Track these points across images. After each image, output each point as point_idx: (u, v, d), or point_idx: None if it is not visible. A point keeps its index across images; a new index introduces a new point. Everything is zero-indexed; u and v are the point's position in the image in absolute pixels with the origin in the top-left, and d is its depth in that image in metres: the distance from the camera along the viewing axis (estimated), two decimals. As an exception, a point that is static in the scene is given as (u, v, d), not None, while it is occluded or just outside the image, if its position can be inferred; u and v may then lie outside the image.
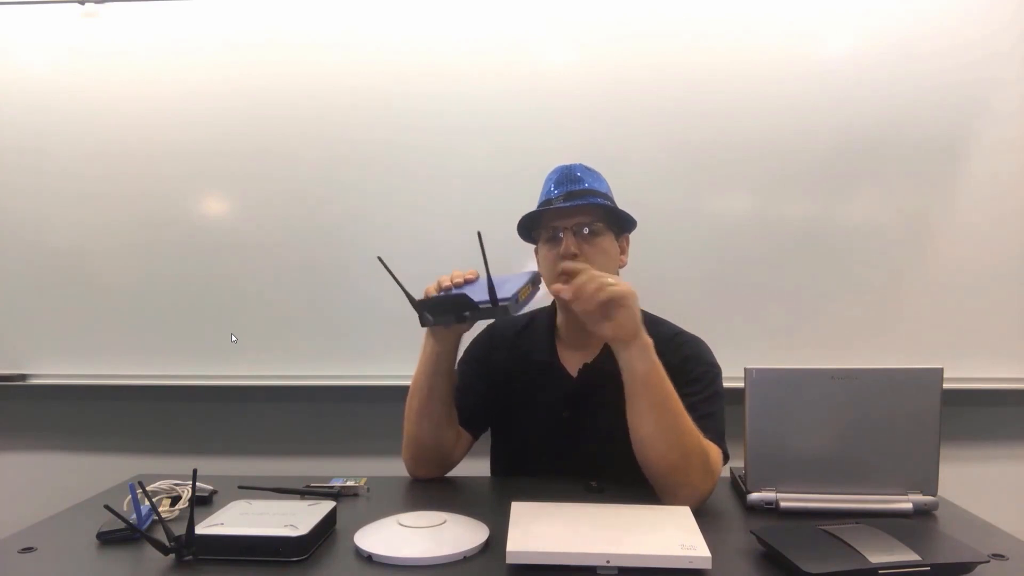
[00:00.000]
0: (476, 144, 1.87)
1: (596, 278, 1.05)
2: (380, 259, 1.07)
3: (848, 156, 1.81)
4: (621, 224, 1.29)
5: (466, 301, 1.04)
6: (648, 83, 1.83)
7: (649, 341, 1.08)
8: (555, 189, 1.26)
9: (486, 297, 1.03)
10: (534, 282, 1.11)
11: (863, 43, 1.80)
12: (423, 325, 1.11)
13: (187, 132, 1.92)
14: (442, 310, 1.07)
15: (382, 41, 1.88)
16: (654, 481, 1.09)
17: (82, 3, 1.92)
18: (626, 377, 1.08)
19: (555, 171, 1.30)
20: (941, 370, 1.07)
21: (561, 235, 1.22)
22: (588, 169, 1.31)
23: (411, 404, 1.24)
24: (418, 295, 1.11)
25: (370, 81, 1.88)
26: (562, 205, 1.23)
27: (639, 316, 1.07)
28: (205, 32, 1.91)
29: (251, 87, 1.90)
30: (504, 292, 1.04)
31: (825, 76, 1.80)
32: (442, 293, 1.10)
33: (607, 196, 1.28)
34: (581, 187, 1.25)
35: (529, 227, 1.30)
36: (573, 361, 1.30)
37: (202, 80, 1.91)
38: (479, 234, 1.01)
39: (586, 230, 1.22)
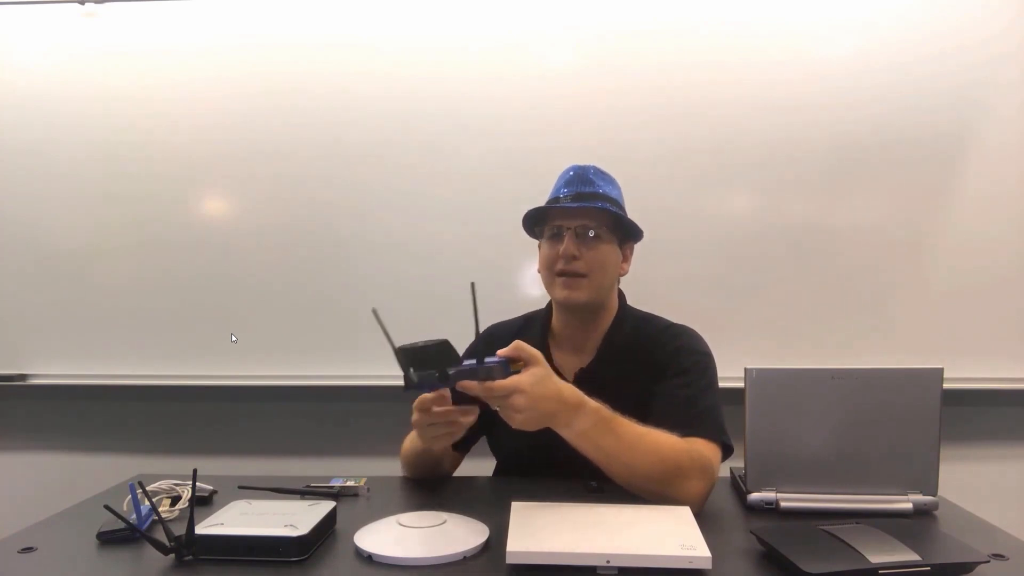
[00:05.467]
0: (477, 145, 1.87)
1: (486, 396, 0.95)
2: (374, 312, 0.95)
3: (849, 157, 1.81)
4: (626, 232, 1.28)
5: (447, 349, 0.92)
6: (649, 84, 1.84)
7: (567, 418, 1.00)
8: (565, 188, 1.26)
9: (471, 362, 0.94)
10: (505, 372, 0.98)
11: (864, 46, 1.80)
12: (407, 389, 0.95)
13: (187, 132, 1.92)
14: (425, 362, 0.93)
15: (383, 42, 1.88)
16: (649, 500, 1.08)
17: (82, 3, 1.92)
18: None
19: (569, 169, 1.30)
20: (941, 370, 1.07)
21: (565, 234, 1.22)
22: (602, 172, 1.30)
23: (407, 449, 1.27)
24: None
25: (371, 82, 1.88)
26: (568, 205, 1.23)
27: (539, 405, 0.96)
28: (205, 32, 1.91)
29: (251, 87, 1.90)
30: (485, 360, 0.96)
31: (826, 78, 1.80)
32: (423, 342, 0.94)
33: (617, 203, 1.28)
34: (591, 190, 1.25)
35: (534, 222, 1.30)
36: (569, 364, 1.29)
37: (202, 80, 1.91)
38: (472, 285, 0.93)
39: (591, 233, 1.22)
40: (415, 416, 1.05)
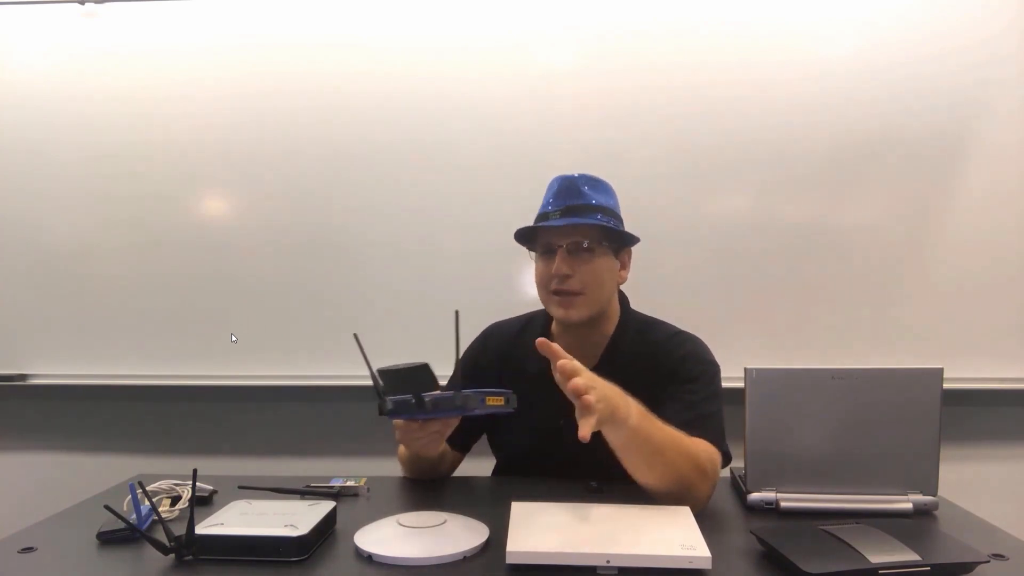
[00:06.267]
0: (477, 145, 1.87)
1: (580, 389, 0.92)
2: (355, 336, 0.95)
3: (849, 157, 1.81)
4: (621, 240, 1.26)
5: (426, 373, 0.89)
6: (649, 84, 1.84)
7: (624, 408, 0.98)
8: (554, 202, 1.23)
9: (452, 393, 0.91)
10: (508, 401, 0.96)
11: (864, 46, 1.80)
12: (381, 413, 0.95)
13: (187, 132, 1.92)
14: (403, 385, 0.92)
15: (383, 42, 1.88)
16: (656, 499, 1.07)
17: (82, 3, 1.92)
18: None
19: (556, 181, 1.25)
20: (941, 370, 1.07)
21: (556, 251, 1.20)
22: (593, 180, 1.25)
23: (402, 451, 1.26)
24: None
25: (371, 82, 1.88)
26: (557, 223, 1.19)
27: (607, 410, 0.94)
28: (205, 32, 1.91)
29: (251, 88, 1.90)
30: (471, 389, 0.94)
31: (826, 78, 1.80)
32: (402, 365, 0.91)
33: (610, 210, 1.24)
34: (582, 202, 1.21)
35: (525, 239, 1.28)
36: None
37: (202, 80, 1.91)
38: (456, 313, 0.92)
39: (584, 244, 1.20)
40: (397, 432, 1.06)
